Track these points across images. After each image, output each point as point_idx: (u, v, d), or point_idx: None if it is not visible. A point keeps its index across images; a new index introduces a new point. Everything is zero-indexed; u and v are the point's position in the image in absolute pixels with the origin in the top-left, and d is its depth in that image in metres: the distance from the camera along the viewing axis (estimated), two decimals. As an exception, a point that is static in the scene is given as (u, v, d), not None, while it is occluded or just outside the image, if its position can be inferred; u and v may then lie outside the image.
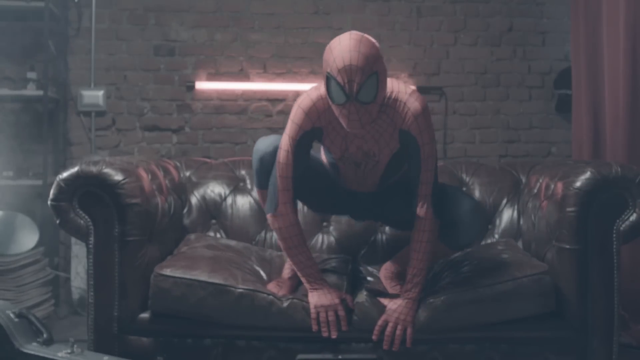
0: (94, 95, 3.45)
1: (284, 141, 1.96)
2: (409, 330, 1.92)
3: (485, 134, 3.63)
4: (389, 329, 1.92)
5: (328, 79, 1.82)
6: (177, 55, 3.51)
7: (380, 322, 1.94)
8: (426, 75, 3.58)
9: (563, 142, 3.65)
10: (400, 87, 1.94)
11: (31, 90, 3.26)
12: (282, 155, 1.96)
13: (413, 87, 2.01)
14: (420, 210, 1.96)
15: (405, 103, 1.92)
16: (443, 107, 3.59)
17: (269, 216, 2.03)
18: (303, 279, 2.02)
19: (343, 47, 1.80)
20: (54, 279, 3.26)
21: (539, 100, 3.65)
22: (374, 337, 1.94)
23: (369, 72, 1.79)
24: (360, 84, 1.78)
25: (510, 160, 3.46)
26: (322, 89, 1.93)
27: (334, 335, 1.94)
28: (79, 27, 3.46)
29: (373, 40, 1.86)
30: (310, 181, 2.09)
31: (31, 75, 3.30)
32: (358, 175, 2.07)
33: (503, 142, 3.63)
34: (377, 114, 1.91)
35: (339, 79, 1.78)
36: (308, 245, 2.14)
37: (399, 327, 1.92)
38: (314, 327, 1.94)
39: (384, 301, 1.98)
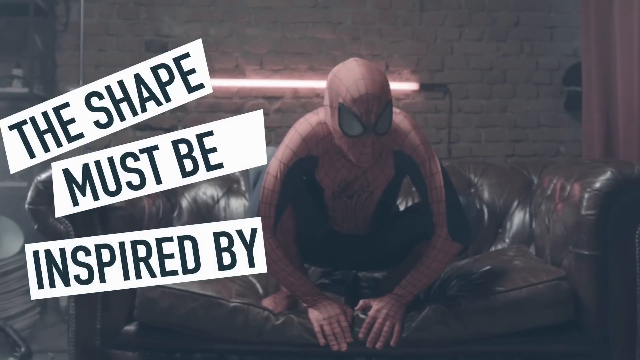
0: (82, 93, 3.32)
1: (274, 166, 1.82)
2: (396, 328, 1.81)
3: (491, 133, 3.52)
4: (376, 325, 1.81)
5: (341, 111, 1.70)
6: (169, 51, 3.36)
7: (368, 320, 1.82)
8: (430, 71, 3.47)
9: (572, 141, 3.55)
10: None
11: (17, 88, 3.14)
12: (269, 180, 1.82)
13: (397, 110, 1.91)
14: (436, 228, 1.85)
15: (392, 121, 1.80)
16: (447, 105, 3.48)
17: None
18: (299, 299, 1.88)
19: (355, 75, 1.69)
20: (40, 286, 3.12)
21: (547, 97, 3.55)
22: (360, 335, 1.82)
23: (385, 101, 1.69)
24: (378, 115, 1.68)
25: (521, 160, 3.34)
26: (322, 115, 1.83)
27: (343, 348, 1.80)
28: (66, 22, 3.35)
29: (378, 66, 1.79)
30: (298, 223, 1.95)
31: (17, 72, 3.18)
32: (349, 209, 1.94)
33: (510, 141, 3.53)
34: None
35: (355, 109, 1.67)
36: (300, 262, 2.01)
37: (387, 324, 1.80)
38: (321, 342, 1.81)
39: (371, 301, 1.87)
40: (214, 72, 3.38)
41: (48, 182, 1.87)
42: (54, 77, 3.35)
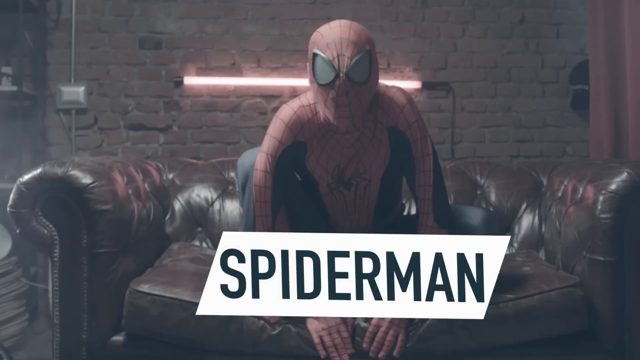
0: (74, 92, 3.23)
1: (261, 160, 1.73)
2: (400, 337, 1.72)
3: (495, 133, 3.41)
4: (380, 333, 1.73)
5: (314, 58, 1.64)
6: (164, 48, 3.28)
7: (371, 329, 1.74)
8: (432, 69, 3.37)
9: (579, 141, 3.45)
10: (379, 82, 1.78)
11: (6, 86, 3.03)
12: (258, 176, 1.72)
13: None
14: (421, 217, 1.76)
15: (385, 94, 1.74)
16: (450, 104, 3.37)
17: None
18: None
19: (333, 25, 1.65)
20: (31, 291, 3.03)
21: (553, 96, 3.44)
22: (364, 345, 1.73)
23: (361, 47, 1.62)
24: (351, 58, 1.60)
25: (530, 161, 3.23)
26: (304, 99, 1.76)
27: None
28: (58, 19, 3.24)
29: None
30: (295, 225, 1.86)
31: (6, 70, 3.07)
32: (349, 205, 1.84)
33: (515, 141, 3.42)
34: (368, 107, 1.71)
35: (327, 53, 1.61)
36: None
37: (391, 332, 1.72)
38: (322, 354, 1.72)
39: None
40: (209, 69, 3.28)
41: (31, 184, 1.77)
42: (45, 75, 3.24)
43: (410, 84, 3.34)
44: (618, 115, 2.89)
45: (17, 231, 1.80)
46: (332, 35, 1.62)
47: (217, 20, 3.30)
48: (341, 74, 1.60)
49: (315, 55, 1.64)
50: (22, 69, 2.97)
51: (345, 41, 1.61)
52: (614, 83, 2.91)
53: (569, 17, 3.43)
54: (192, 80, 3.27)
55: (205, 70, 3.29)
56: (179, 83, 3.27)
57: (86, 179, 1.77)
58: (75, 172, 1.77)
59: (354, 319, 1.78)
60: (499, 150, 3.41)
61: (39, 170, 1.77)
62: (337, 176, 1.79)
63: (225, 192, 2.36)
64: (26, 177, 1.78)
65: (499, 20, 3.41)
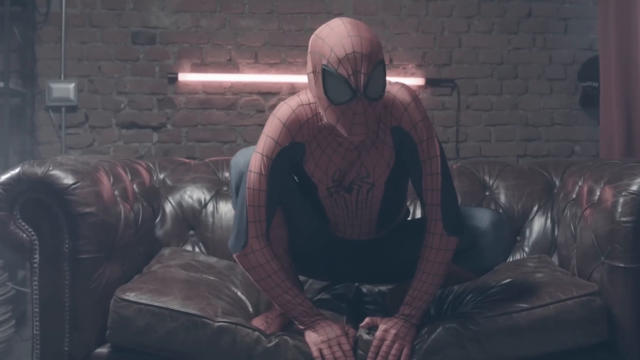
0: (64, 89, 3.12)
1: (256, 161, 1.60)
2: (405, 351, 1.61)
3: (501, 132, 3.31)
4: (384, 347, 1.61)
5: (325, 74, 1.49)
6: (157, 43, 3.17)
7: (375, 342, 1.62)
8: (436, 66, 3.26)
9: (588, 140, 3.35)
10: None
11: (-8, 83, 2.92)
12: (252, 179, 1.60)
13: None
14: (429, 223, 1.64)
15: (389, 92, 1.61)
16: (455, 102, 3.27)
17: (235, 256, 1.65)
18: (294, 320, 1.67)
19: (340, 33, 1.48)
20: (18, 296, 2.91)
21: (561, 93, 3.34)
22: None
23: (375, 60, 1.48)
24: (368, 75, 1.47)
25: (541, 160, 3.13)
26: (303, 96, 1.62)
27: None
28: (47, 12, 3.12)
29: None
30: (292, 230, 1.74)
31: (-8, 65, 2.96)
32: (350, 210, 1.73)
33: (521, 140, 3.32)
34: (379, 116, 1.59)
35: (341, 70, 1.46)
36: (294, 275, 1.80)
37: (396, 345, 1.61)
38: None
39: (377, 320, 1.67)
40: (205, 66, 3.18)
41: (9, 185, 1.65)
42: (34, 71, 3.13)
43: (413, 81, 3.23)
44: (630, 113, 2.81)
45: (-6, 235, 1.68)
46: (342, 47, 1.47)
47: (212, 15, 3.19)
48: (359, 94, 1.47)
49: (326, 71, 1.49)
50: (9, 64, 2.86)
51: (359, 55, 1.46)
52: (625, 79, 2.82)
53: (578, 12, 3.33)
54: (186, 77, 3.16)
55: (200, 66, 3.18)
56: (173, 79, 3.16)
57: (68, 179, 1.65)
58: (56, 172, 1.65)
59: (356, 331, 1.67)
60: (505, 149, 3.31)
61: (17, 170, 1.66)
62: (337, 180, 1.67)
63: (219, 193, 2.24)
64: (3, 177, 1.66)
65: (505, 14, 3.31)
